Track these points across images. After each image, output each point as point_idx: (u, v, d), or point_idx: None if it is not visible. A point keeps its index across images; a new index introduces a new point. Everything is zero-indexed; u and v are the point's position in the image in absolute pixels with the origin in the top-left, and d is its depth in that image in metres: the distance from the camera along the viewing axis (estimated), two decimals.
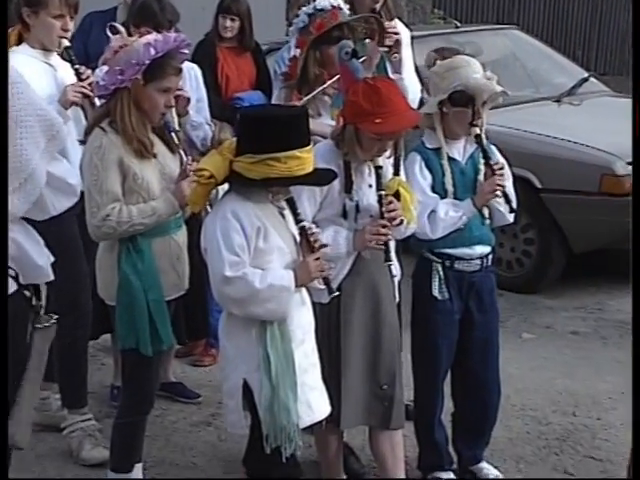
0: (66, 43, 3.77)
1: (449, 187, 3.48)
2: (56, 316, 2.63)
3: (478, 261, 3.54)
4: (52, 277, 2.59)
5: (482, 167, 3.51)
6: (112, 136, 3.20)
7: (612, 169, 5.50)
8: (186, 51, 3.33)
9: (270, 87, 5.02)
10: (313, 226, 3.07)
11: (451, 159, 3.51)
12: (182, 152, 3.39)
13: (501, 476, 3.76)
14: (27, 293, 2.55)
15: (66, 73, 3.80)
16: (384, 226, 3.21)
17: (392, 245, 3.34)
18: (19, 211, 2.44)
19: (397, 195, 3.28)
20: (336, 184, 3.16)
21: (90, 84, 3.65)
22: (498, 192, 3.46)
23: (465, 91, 3.38)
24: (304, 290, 3.05)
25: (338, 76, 3.50)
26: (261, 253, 2.90)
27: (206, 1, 5.72)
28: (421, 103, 4.06)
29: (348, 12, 3.96)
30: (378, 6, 4.06)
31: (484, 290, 3.58)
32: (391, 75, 4.01)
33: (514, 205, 3.52)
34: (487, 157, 3.49)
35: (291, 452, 2.93)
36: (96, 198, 3.18)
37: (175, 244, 3.34)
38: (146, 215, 3.21)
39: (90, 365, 4.14)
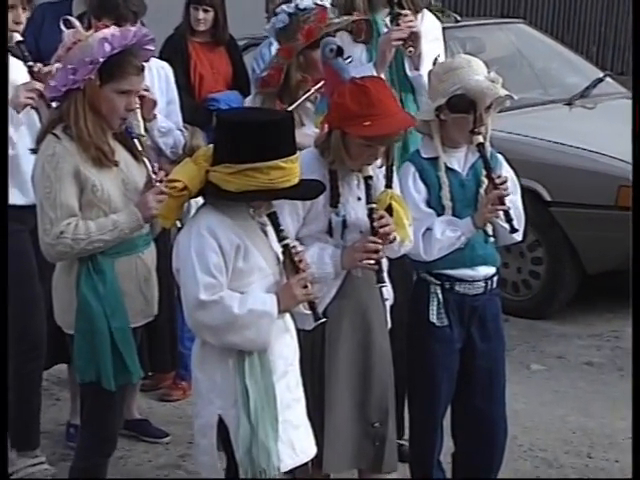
0: (18, 37, 3.80)
1: (446, 202, 3.51)
2: None
3: (481, 283, 3.58)
4: None
5: (485, 179, 3.53)
6: (66, 143, 3.22)
7: (630, 180, 5.56)
8: (150, 48, 3.35)
9: (248, 87, 5.08)
10: (298, 244, 3.11)
11: (450, 170, 3.54)
12: (147, 160, 3.41)
13: None
14: None
15: (18, 71, 3.82)
16: (375, 243, 3.25)
17: (384, 265, 3.37)
18: None
19: (389, 210, 3.31)
20: (320, 197, 3.19)
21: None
22: (499, 210, 3.46)
23: (466, 95, 3.41)
24: (288, 316, 3.08)
25: (317, 87, 3.55)
26: (240, 274, 2.93)
27: None
28: None
29: (330, 5, 4.00)
30: None
31: (488, 316, 3.62)
32: (408, 72, 4.08)
33: (517, 224, 3.52)
34: (489, 169, 3.50)
35: None
36: (49, 213, 3.18)
37: (142, 264, 3.36)
38: (106, 230, 3.22)
39: (43, 400, 4.15)
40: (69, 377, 4.37)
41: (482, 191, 3.53)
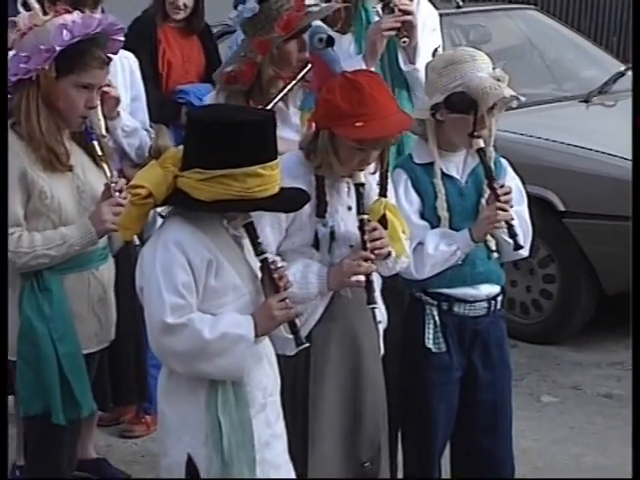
0: None
1: (442, 212, 3.53)
2: None
3: (484, 304, 3.61)
4: None
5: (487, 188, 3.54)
6: (14, 142, 3.23)
7: None
8: (119, 38, 3.37)
9: None
10: (278, 259, 3.12)
11: (447, 177, 3.55)
12: (107, 165, 3.42)
13: None
14: None
15: None
16: (366, 259, 3.27)
17: (377, 283, 3.39)
18: None
19: (384, 221, 3.33)
20: (306, 206, 3.19)
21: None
22: (500, 223, 3.47)
23: (466, 93, 3.43)
24: (266, 340, 3.10)
25: (300, 76, 3.55)
26: (212, 293, 2.94)
27: None
28: None
29: None
30: None
31: (492, 340, 3.65)
32: (402, 66, 4.12)
33: (521, 240, 3.53)
34: (491, 178, 3.51)
35: None
36: None
37: (96, 282, 3.37)
38: (53, 245, 3.23)
39: None
40: (14, 410, 4.36)
41: (483, 201, 3.55)
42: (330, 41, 3.56)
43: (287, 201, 3.00)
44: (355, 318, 3.39)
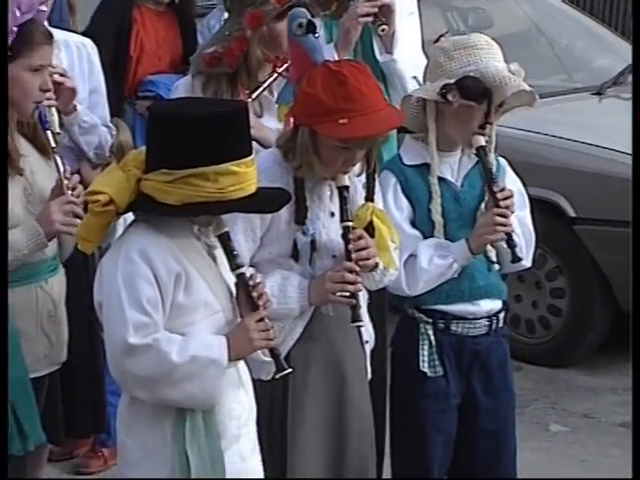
0: None
1: (437, 217, 3.54)
2: None
3: (484, 321, 3.63)
4: None
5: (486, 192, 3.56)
6: None
7: None
8: (43, 8, 3.34)
9: None
10: (257, 275, 3.10)
11: (440, 180, 3.56)
12: (59, 159, 3.41)
13: None
14: None
15: None
16: (351, 271, 3.29)
17: (363, 298, 3.42)
18: None
19: (370, 229, 3.35)
20: (283, 211, 3.22)
21: None
22: (499, 232, 3.49)
23: (480, 80, 3.43)
24: (241, 364, 3.10)
25: (290, 62, 3.57)
26: (181, 311, 2.95)
27: None
28: None
29: None
30: None
31: (493, 363, 3.67)
32: (378, 56, 4.13)
33: (520, 252, 3.55)
34: (491, 179, 3.52)
35: None
36: None
37: (45, 296, 3.38)
38: None
39: None
40: None
41: (482, 207, 3.57)
42: (311, 26, 3.57)
43: (265, 201, 3.00)
44: (338, 337, 3.41)
